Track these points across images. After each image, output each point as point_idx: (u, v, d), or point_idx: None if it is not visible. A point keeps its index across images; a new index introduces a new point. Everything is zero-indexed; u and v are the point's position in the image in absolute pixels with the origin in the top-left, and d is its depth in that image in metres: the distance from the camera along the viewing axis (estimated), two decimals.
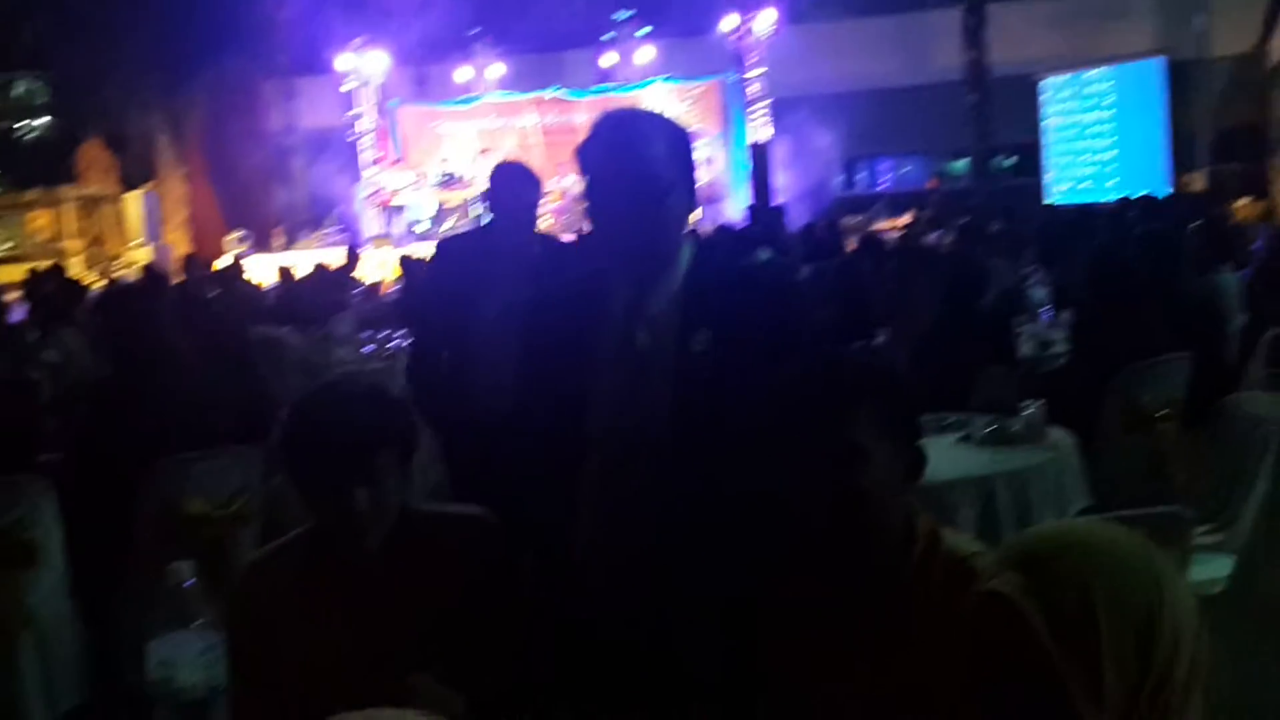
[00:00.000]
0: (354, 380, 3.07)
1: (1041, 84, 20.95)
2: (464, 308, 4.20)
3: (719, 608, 1.97)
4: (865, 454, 1.78)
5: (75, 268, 20.76)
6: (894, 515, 1.83)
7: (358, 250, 12.96)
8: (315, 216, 22.46)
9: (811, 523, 1.81)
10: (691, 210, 2.30)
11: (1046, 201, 19.49)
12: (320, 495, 2.11)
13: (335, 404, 2.15)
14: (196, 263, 14.27)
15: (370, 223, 21.61)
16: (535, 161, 22.93)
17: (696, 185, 2.31)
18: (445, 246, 4.95)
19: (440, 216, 21.00)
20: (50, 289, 10.57)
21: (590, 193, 2.26)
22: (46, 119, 28.53)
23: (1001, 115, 20.08)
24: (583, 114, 21.78)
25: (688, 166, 2.28)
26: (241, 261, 15.19)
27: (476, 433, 3.68)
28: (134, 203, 22.80)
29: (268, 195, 23.57)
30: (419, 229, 21.10)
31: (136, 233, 22.49)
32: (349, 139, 22.62)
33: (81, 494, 4.11)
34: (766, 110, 20.81)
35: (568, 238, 14.18)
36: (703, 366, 2.17)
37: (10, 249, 22.88)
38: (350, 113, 22.67)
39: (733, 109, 21.47)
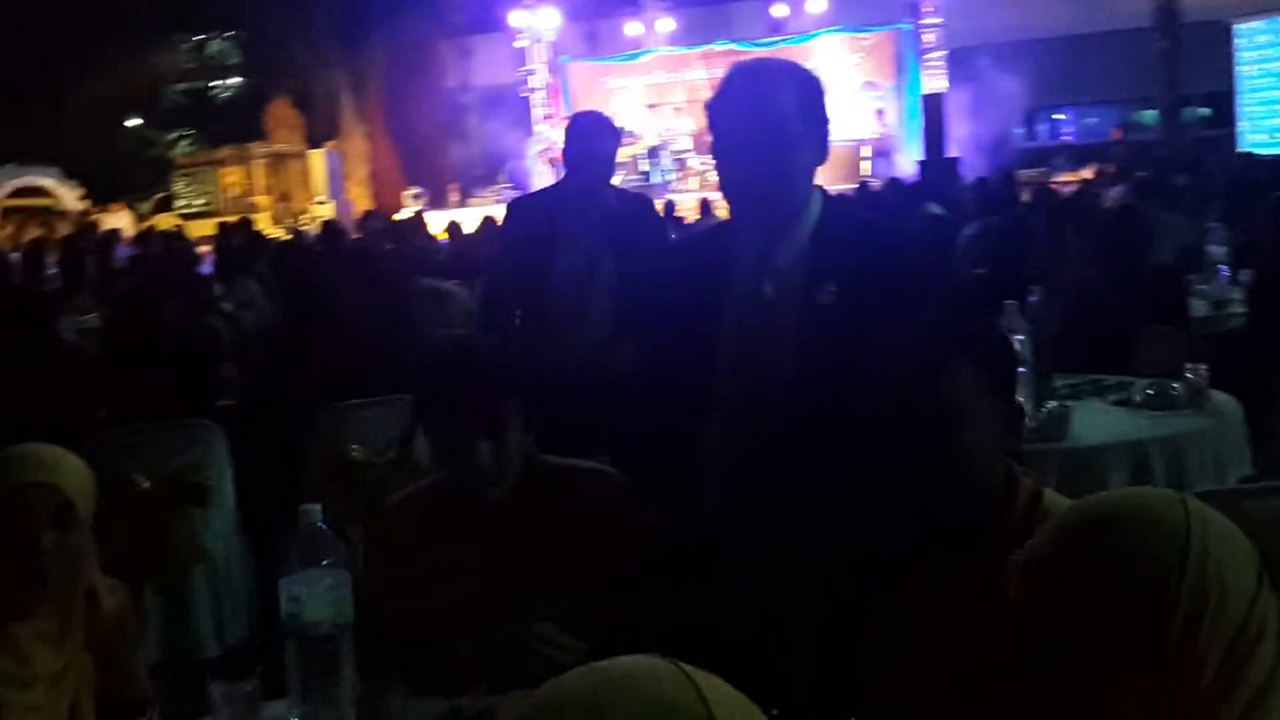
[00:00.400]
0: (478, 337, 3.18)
1: (1236, 28, 19.79)
2: (533, 265, 4.16)
3: (832, 564, 1.96)
4: (963, 411, 1.76)
5: (263, 222, 21.68)
6: (994, 473, 1.80)
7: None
8: (489, 173, 22.89)
9: (913, 480, 1.80)
10: (821, 161, 2.27)
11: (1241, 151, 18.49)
12: (445, 447, 2.19)
13: (460, 360, 2.23)
14: (375, 217, 14.71)
15: (540, 178, 21.92)
16: (702, 115, 23.14)
17: (828, 137, 2.28)
18: (515, 205, 4.75)
19: None
20: (237, 242, 11.09)
21: (718, 143, 2.26)
22: (238, 79, 29.79)
23: (1192, 62, 19.12)
24: None
25: (819, 118, 2.25)
26: (421, 216, 15.58)
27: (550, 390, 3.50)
28: (318, 160, 23.64)
29: (444, 152, 24.12)
30: None
31: (320, 188, 23.31)
32: (521, 95, 22.96)
33: (251, 438, 4.33)
34: (942, 60, 20.23)
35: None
36: (827, 319, 2.16)
37: (204, 204, 24.07)
38: (522, 70, 23.01)
39: (907, 59, 20.93)
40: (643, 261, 3.85)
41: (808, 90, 2.26)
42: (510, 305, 4.33)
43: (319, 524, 1.89)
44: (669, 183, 20.02)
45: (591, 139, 4.18)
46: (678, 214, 13.56)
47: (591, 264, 4.13)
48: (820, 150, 2.26)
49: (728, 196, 2.31)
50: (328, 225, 11.35)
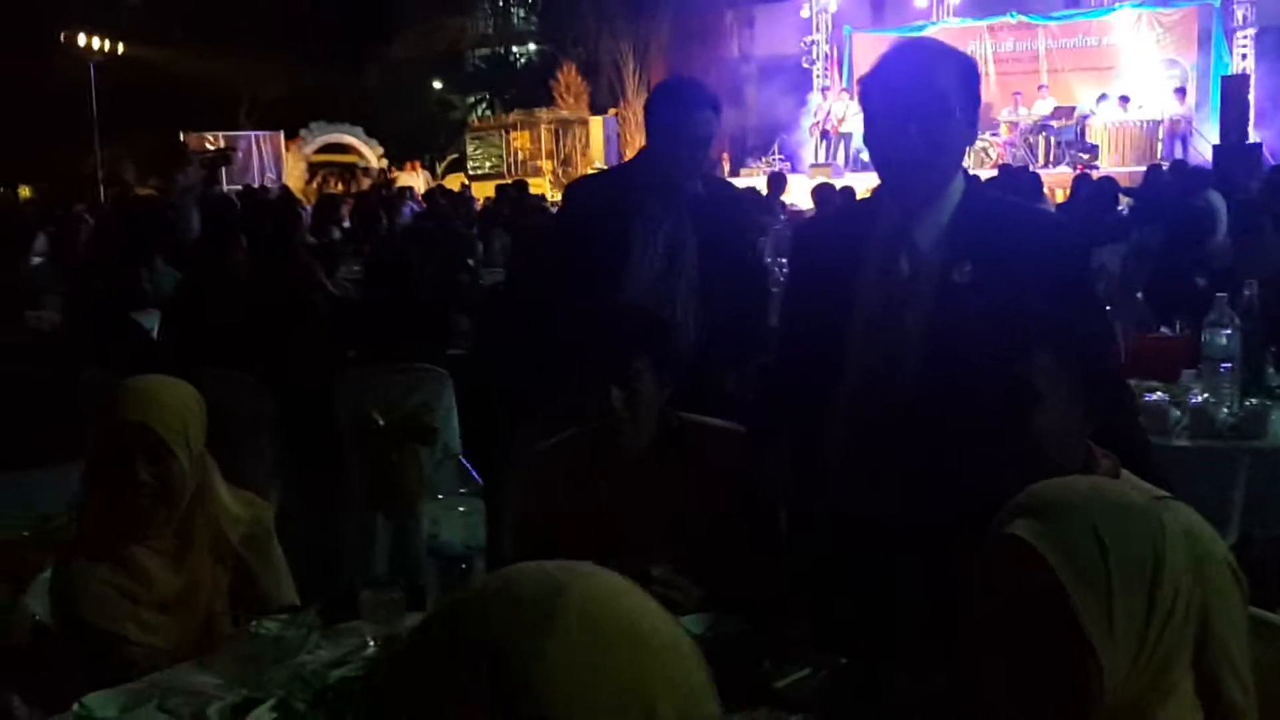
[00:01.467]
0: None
1: None
2: (595, 260, 3.46)
3: (943, 532, 2.02)
4: (1039, 396, 1.80)
5: (543, 186, 22.60)
6: (1070, 457, 1.82)
7: (784, 177, 13.21)
8: (762, 144, 23.01)
9: (993, 460, 1.85)
10: (970, 142, 2.33)
11: None
12: (586, 392, 2.39)
13: (603, 315, 2.43)
14: None
15: (812, 151, 21.86)
16: (986, 89, 22.24)
17: (978, 119, 2.33)
18: (571, 189, 4.28)
19: None
20: (504, 203, 11.69)
21: (872, 117, 2.33)
22: (534, 45, 30.97)
23: None
24: (1040, 41, 20.82)
25: (970, 99, 2.29)
26: None
27: None
28: (597, 126, 24.36)
29: (721, 122, 24.35)
30: (864, 157, 21.14)
31: (598, 154, 24.03)
32: (804, 66, 22.93)
33: (475, 386, 4.67)
34: (1249, 39, 18.91)
35: (988, 174, 13.67)
36: (961, 297, 2.21)
37: (492, 166, 25.27)
38: (806, 39, 22.97)
39: (1213, 38, 19.67)
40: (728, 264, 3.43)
41: (964, 71, 2.30)
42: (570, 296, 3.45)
43: (460, 458, 2.12)
44: None
45: (679, 111, 3.40)
46: None
47: (673, 259, 3.45)
48: (970, 132, 2.30)
49: (878, 169, 2.38)
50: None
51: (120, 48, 25.06)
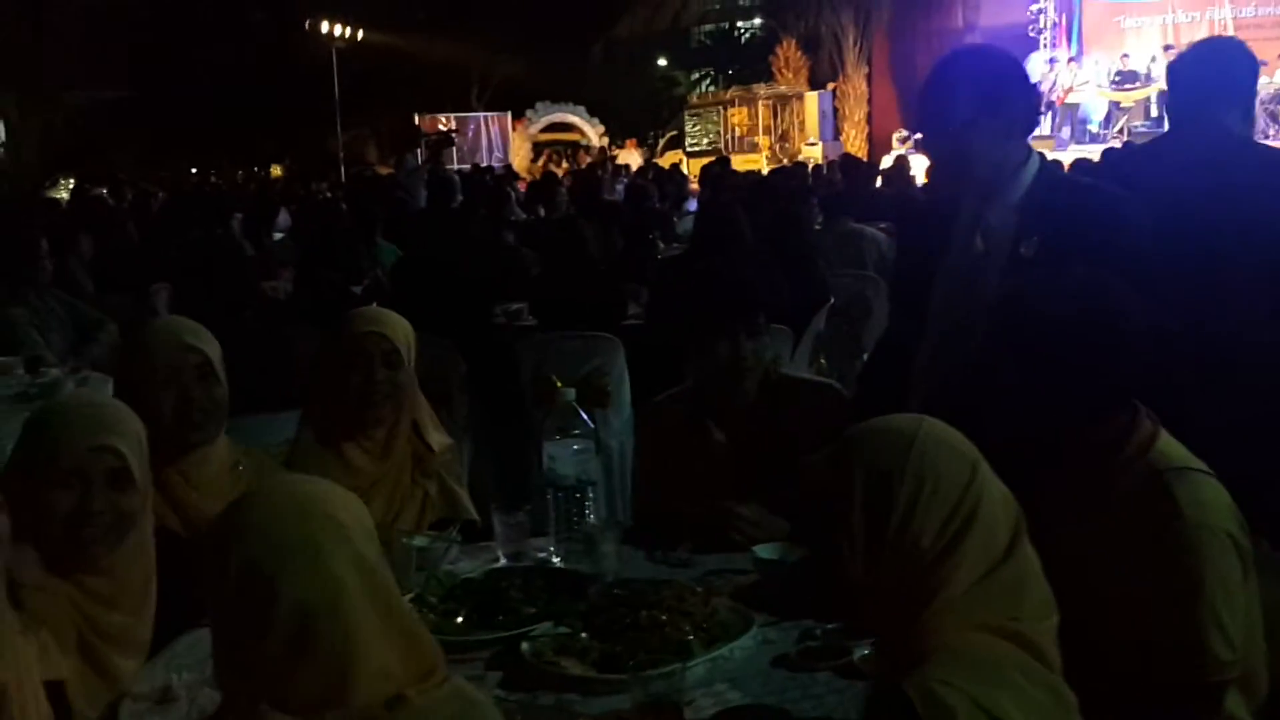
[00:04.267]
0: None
1: None
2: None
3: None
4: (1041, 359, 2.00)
5: (759, 162, 22.82)
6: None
7: None
8: None
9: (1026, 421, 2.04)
10: (1028, 129, 2.56)
11: None
12: (703, 344, 2.73)
13: (720, 274, 2.79)
14: (851, 161, 15.16)
15: (1041, 124, 21.29)
16: None
17: (1036, 105, 2.59)
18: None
19: (1111, 118, 20.18)
20: (707, 179, 12.05)
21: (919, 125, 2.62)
22: (758, 20, 31.11)
23: None
24: None
25: (999, 97, 2.49)
26: (909, 159, 15.84)
27: None
28: (812, 101, 24.36)
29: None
30: (1090, 128, 20.54)
31: (813, 130, 24.05)
32: (1031, 33, 22.33)
33: (644, 354, 5.05)
34: None
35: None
36: (1026, 269, 2.43)
37: (709, 143, 25.62)
38: (1034, 7, 22.38)
39: None
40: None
41: (998, 70, 2.55)
42: None
43: (573, 403, 2.50)
44: None
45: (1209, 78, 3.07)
46: None
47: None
48: (1027, 117, 2.56)
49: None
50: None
51: (360, 34, 26.56)
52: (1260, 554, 1.95)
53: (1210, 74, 3.01)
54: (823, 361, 5.67)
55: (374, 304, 6.05)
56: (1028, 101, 2.57)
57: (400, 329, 2.78)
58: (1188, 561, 1.80)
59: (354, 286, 6.15)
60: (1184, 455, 1.96)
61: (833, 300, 5.62)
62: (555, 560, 2.47)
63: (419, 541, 2.47)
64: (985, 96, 2.49)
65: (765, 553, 2.34)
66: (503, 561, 2.50)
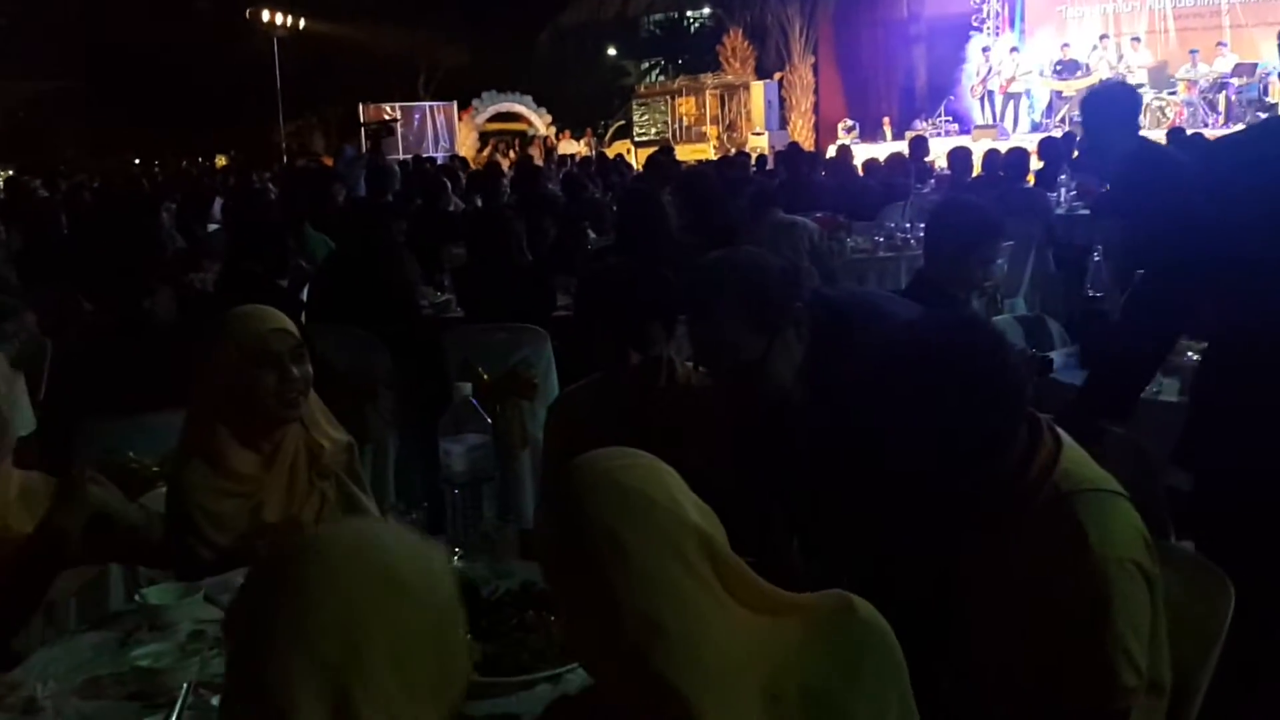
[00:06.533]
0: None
1: None
2: None
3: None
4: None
5: (709, 151, 22.81)
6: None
7: (926, 140, 13.10)
8: (929, 106, 22.68)
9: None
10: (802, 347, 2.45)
11: None
12: (604, 352, 2.67)
13: (618, 283, 2.72)
14: (793, 151, 15.17)
15: (980, 112, 21.44)
16: (1164, 45, 21.03)
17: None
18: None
19: (1053, 107, 20.32)
20: (653, 167, 11.97)
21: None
22: (706, 10, 31.07)
23: None
24: None
25: (786, 317, 2.42)
26: (851, 149, 15.85)
27: None
28: (758, 91, 24.37)
29: (886, 84, 24.13)
30: (1033, 117, 20.68)
31: (760, 120, 24.06)
32: (974, 23, 22.42)
33: (573, 345, 4.98)
34: None
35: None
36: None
37: (657, 133, 25.58)
38: None
39: None
40: None
41: None
42: None
43: (470, 399, 2.43)
44: None
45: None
46: None
47: None
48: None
49: None
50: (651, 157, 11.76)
51: (304, 23, 26.26)
52: (1164, 549, 1.93)
53: None
54: None
55: (300, 297, 5.96)
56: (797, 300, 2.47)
57: (291, 322, 2.70)
58: (1095, 593, 1.75)
59: (279, 279, 6.03)
60: (1089, 473, 1.90)
61: None
62: (454, 559, 2.40)
63: None
64: (769, 321, 2.40)
65: None
66: None
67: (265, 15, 25.17)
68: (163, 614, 2.17)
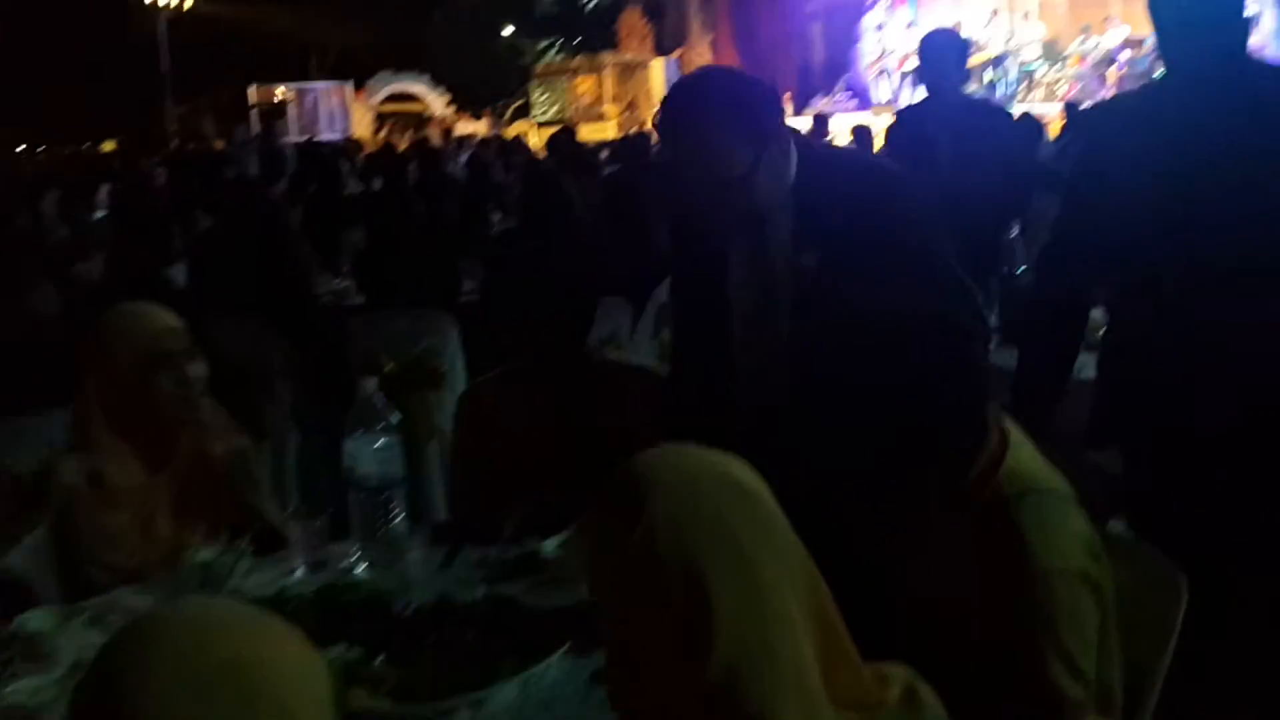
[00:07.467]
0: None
1: None
2: None
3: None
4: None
5: (610, 131, 22.61)
6: None
7: (827, 119, 13.12)
8: (827, 83, 22.74)
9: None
10: (789, 164, 2.25)
11: None
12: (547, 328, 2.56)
13: (528, 268, 2.57)
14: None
15: (880, 89, 21.57)
16: (1055, 20, 21.35)
17: (790, 142, 2.25)
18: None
19: None
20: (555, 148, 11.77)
21: (676, 172, 2.29)
22: None
23: None
24: None
25: (775, 132, 2.23)
26: None
27: None
28: (658, 69, 24.25)
29: (785, 61, 24.14)
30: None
31: (659, 98, 23.93)
32: (867, 2, 22.54)
33: (481, 331, 4.81)
34: None
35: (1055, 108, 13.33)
36: (811, 280, 2.20)
37: (557, 112, 25.32)
38: None
39: None
40: None
41: (758, 107, 2.24)
42: None
43: (375, 395, 2.26)
44: (1014, 94, 19.22)
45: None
46: None
47: None
48: (784, 160, 2.27)
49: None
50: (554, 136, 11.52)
51: (191, 3, 25.51)
52: (1111, 543, 1.84)
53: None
54: (665, 334, 5.50)
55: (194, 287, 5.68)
56: (783, 120, 2.29)
57: (180, 320, 2.52)
58: (1038, 606, 1.65)
59: (167, 268, 5.75)
60: (1034, 471, 1.79)
61: None
62: (359, 569, 2.24)
63: (202, 556, 2.21)
64: (759, 133, 2.19)
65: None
66: (300, 573, 2.25)
67: None
68: (41, 643, 1.98)
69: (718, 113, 2.16)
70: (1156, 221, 2.56)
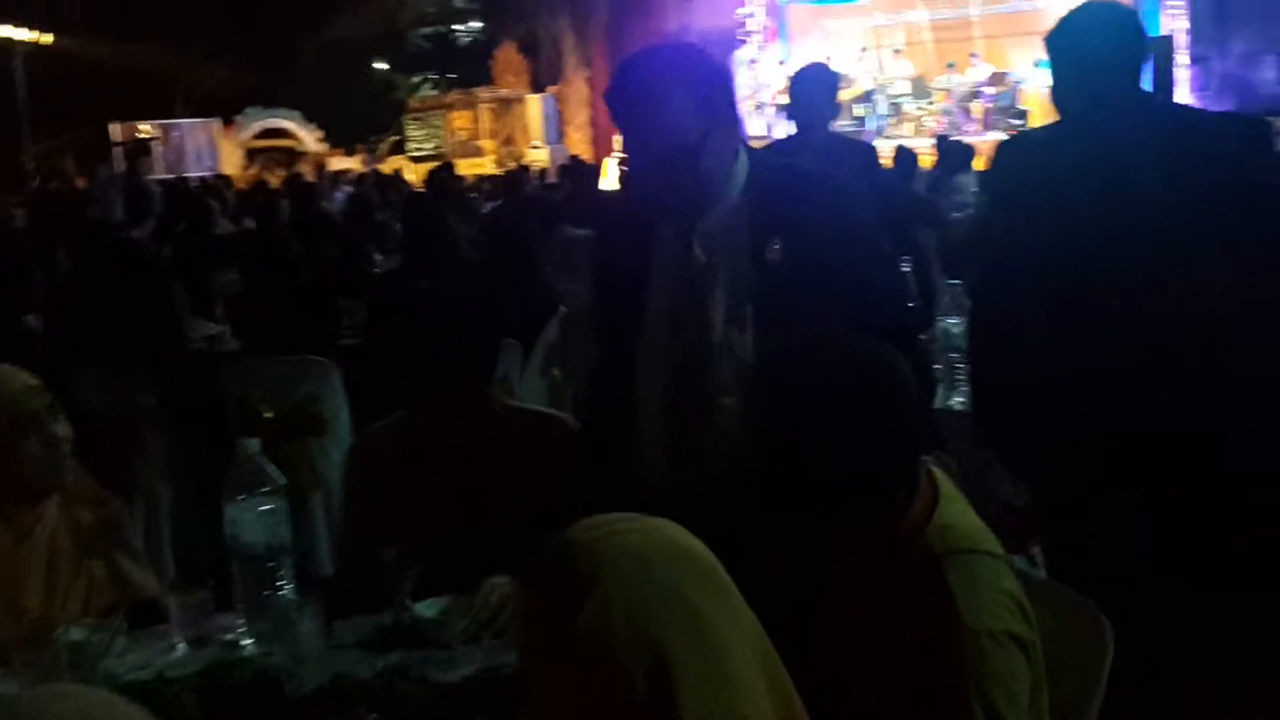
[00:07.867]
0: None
1: None
2: None
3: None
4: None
5: (488, 166, 22.45)
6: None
7: None
8: None
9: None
10: (738, 137, 2.27)
11: None
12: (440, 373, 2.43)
13: (423, 315, 2.44)
14: (575, 166, 15.03)
15: (754, 124, 21.81)
16: (922, 57, 21.95)
17: (740, 112, 2.29)
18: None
19: None
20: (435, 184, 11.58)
21: (625, 144, 2.29)
22: (478, 24, 30.67)
23: None
24: (972, 6, 20.84)
25: (725, 103, 2.24)
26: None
27: None
28: (535, 105, 24.20)
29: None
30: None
31: (538, 133, 23.88)
32: (740, 37, 22.84)
33: (365, 376, 4.64)
34: (1181, 2, 18.97)
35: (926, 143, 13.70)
36: (774, 274, 2.20)
37: (434, 148, 25.06)
38: (741, 11, 22.89)
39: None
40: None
41: (708, 80, 2.24)
42: None
43: (257, 456, 2.11)
44: (884, 128, 19.66)
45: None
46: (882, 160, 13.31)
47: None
48: (734, 129, 2.27)
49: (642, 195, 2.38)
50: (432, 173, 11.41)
51: (49, 39, 24.66)
52: (1035, 590, 1.79)
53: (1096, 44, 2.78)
54: (556, 373, 5.39)
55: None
56: (734, 96, 2.30)
57: (38, 379, 2.34)
58: (967, 670, 1.59)
59: (27, 315, 5.46)
60: (964, 530, 1.73)
61: (563, 309, 5.34)
62: (245, 644, 2.07)
63: (74, 635, 2.03)
64: (709, 103, 2.18)
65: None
66: (181, 650, 2.08)
67: (3, 30, 23.47)
68: None
69: (669, 79, 2.17)
70: (1052, 249, 2.70)
